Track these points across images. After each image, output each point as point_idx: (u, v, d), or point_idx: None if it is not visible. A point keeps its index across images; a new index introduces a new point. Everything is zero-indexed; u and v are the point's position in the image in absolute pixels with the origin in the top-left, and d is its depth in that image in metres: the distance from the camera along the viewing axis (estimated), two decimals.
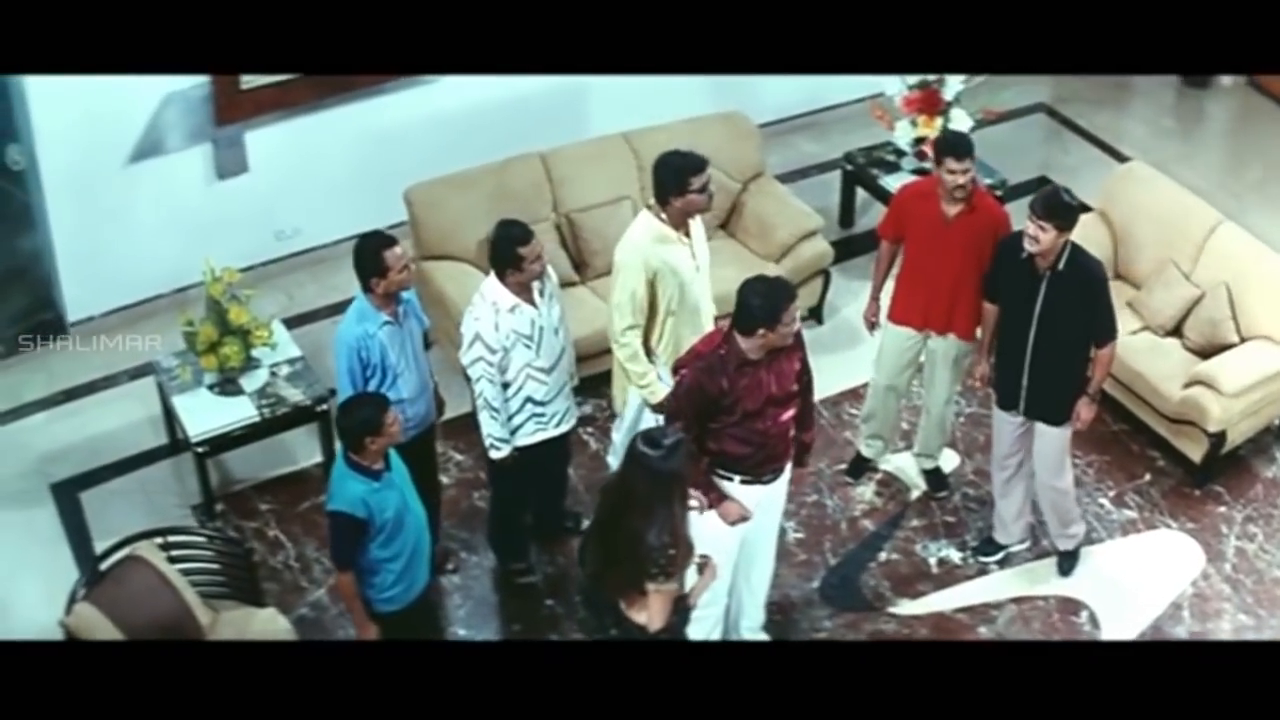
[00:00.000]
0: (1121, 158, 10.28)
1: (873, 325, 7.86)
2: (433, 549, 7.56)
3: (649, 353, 7.18)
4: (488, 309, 6.80)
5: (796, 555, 7.82)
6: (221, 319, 7.78)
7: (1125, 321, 8.27)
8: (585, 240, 8.82)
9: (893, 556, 7.82)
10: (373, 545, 6.17)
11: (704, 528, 6.58)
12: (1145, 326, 8.38)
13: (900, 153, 9.56)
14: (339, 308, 9.13)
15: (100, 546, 7.53)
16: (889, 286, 7.71)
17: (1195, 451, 8.03)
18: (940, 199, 7.29)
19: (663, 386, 7.01)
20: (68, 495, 8.07)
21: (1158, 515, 8.00)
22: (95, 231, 8.66)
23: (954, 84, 9.10)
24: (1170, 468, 8.23)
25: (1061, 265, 6.79)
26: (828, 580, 7.71)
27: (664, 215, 7.02)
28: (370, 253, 6.67)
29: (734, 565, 6.84)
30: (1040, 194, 6.79)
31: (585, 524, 7.63)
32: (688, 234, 7.11)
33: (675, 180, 6.95)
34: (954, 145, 7.25)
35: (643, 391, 7.15)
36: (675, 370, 6.59)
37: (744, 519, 6.56)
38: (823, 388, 8.55)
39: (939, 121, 9.13)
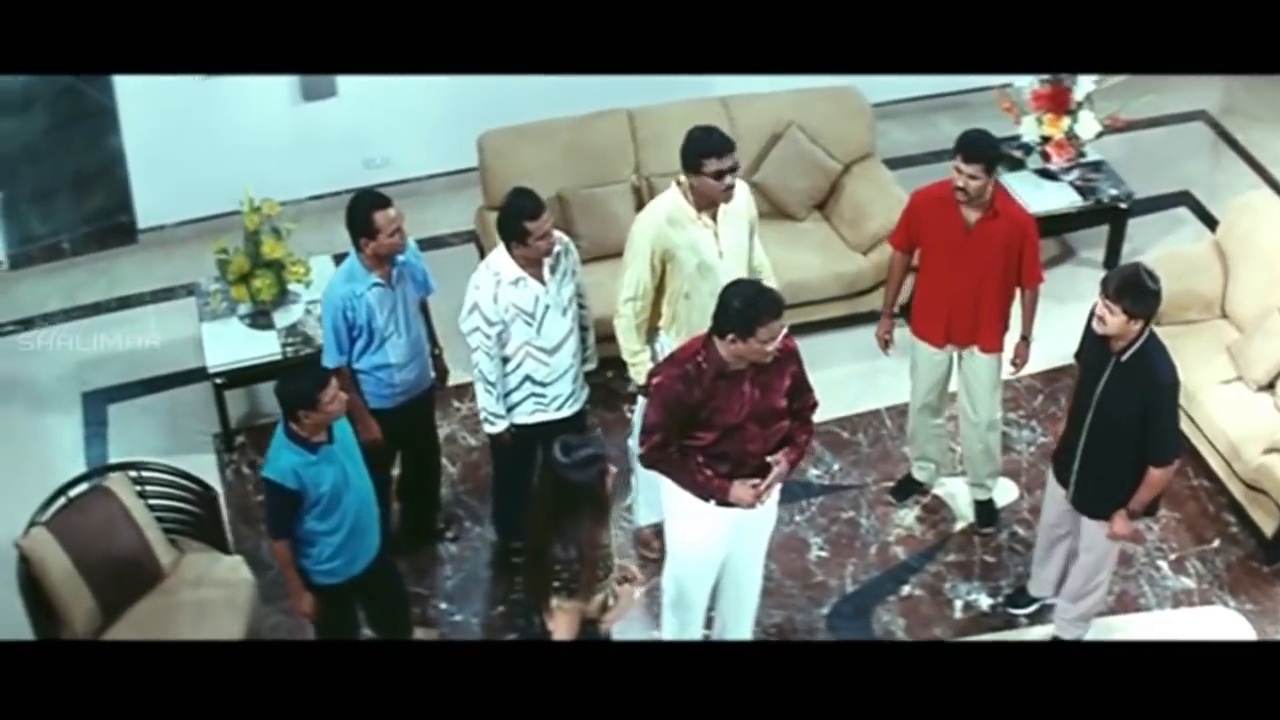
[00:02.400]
0: (1274, 182, 9.30)
1: (886, 344, 7.25)
2: (432, 516, 7.39)
3: (654, 331, 6.76)
4: (489, 279, 6.43)
5: (814, 575, 7.29)
6: (256, 251, 7.59)
7: (1220, 369, 7.57)
8: None
9: (916, 592, 7.21)
10: (309, 517, 5.92)
11: (682, 544, 6.24)
12: (1239, 377, 7.52)
13: (1027, 149, 8.76)
14: (420, 244, 8.93)
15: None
16: None
17: (1268, 524, 7.21)
18: (960, 204, 6.64)
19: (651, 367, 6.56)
20: (97, 406, 8.04)
21: (1215, 589, 7.20)
22: (170, 140, 8.57)
23: (1085, 83, 8.31)
24: (1243, 536, 7.42)
25: (1126, 357, 5.99)
26: (839, 608, 7.14)
27: (689, 194, 6.54)
28: (361, 212, 6.35)
29: (712, 588, 6.41)
30: (1117, 271, 6.01)
31: None
32: (714, 217, 6.58)
33: (691, 157, 6.45)
34: (965, 144, 6.57)
35: (631, 370, 6.75)
36: (649, 377, 6.11)
37: (759, 500, 5.95)
38: (900, 393, 8.02)
39: (1065, 122, 8.38)
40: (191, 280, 8.47)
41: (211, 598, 6.53)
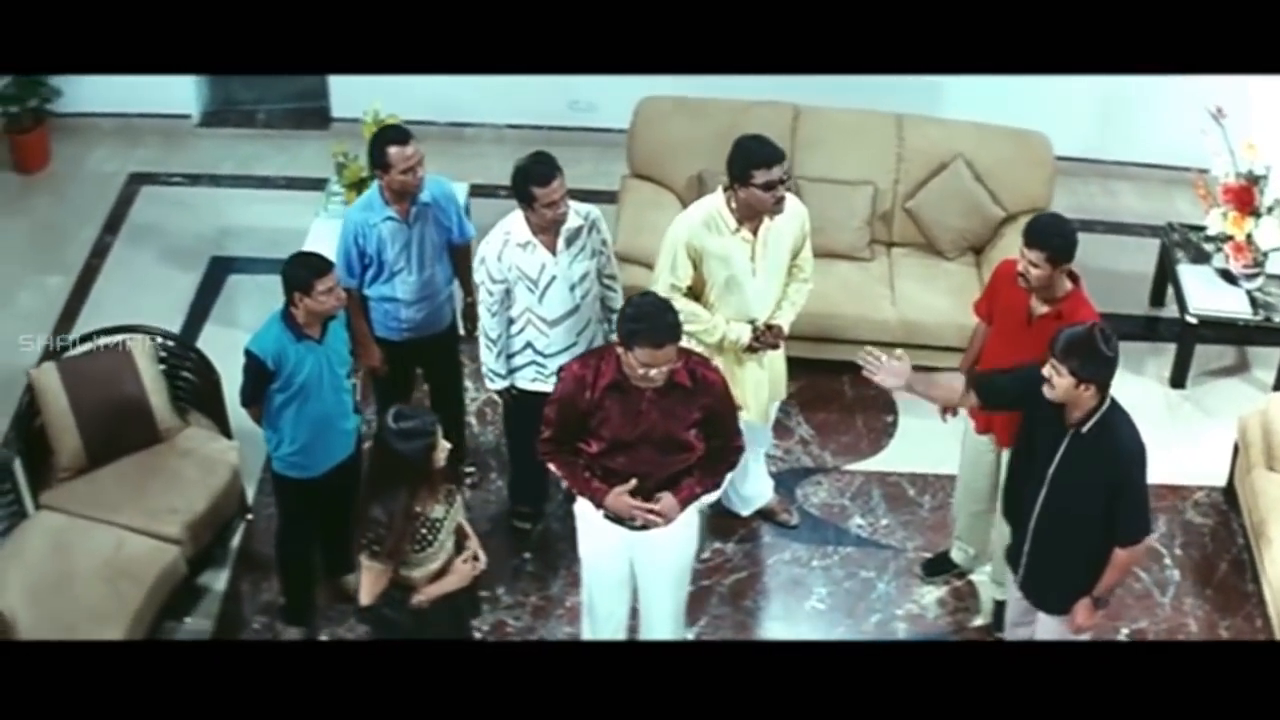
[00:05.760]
0: None
1: (945, 411, 6.65)
2: (457, 460, 7.35)
3: None
4: (499, 236, 6.37)
5: (798, 627, 6.87)
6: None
7: None
8: None
9: None
10: (279, 398, 6.12)
11: (583, 548, 6.09)
12: None
13: (1216, 242, 7.86)
14: (594, 196, 8.85)
15: (211, 330, 7.91)
16: None
17: None
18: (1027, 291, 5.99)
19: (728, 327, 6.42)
20: (220, 272, 8.42)
21: None
22: None
23: (1275, 189, 7.37)
24: None
25: (1086, 429, 5.38)
26: None
27: (733, 204, 6.25)
28: (378, 145, 6.41)
29: (627, 595, 6.17)
30: (1067, 330, 5.34)
31: None
32: (754, 231, 6.28)
33: (739, 168, 6.14)
34: (1029, 229, 5.87)
35: (705, 335, 6.44)
36: (559, 370, 5.91)
37: (632, 518, 5.72)
38: None
39: (1248, 224, 7.46)
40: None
41: (188, 471, 6.80)
